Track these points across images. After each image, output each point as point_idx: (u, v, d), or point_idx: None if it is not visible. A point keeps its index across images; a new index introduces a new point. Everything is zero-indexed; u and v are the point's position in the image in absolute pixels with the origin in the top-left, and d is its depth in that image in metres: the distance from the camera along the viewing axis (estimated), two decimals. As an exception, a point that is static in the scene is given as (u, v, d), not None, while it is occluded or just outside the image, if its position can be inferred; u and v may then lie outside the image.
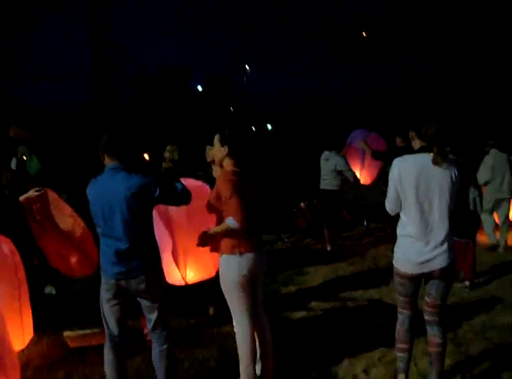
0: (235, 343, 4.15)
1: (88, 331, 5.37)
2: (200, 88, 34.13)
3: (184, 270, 4.72)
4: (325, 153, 8.70)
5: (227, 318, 4.57)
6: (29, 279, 4.75)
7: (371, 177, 9.30)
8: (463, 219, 6.17)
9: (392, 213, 3.85)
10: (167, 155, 6.60)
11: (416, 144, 3.76)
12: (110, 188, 3.72)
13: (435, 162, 3.55)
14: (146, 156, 11.49)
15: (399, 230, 3.77)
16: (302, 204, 10.00)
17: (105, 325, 3.93)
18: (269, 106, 36.34)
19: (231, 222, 3.85)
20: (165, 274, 4.02)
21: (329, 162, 8.55)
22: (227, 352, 4.80)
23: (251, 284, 4.03)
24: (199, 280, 4.91)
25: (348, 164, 8.51)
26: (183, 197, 3.89)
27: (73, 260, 5.42)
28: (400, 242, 3.76)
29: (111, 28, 24.67)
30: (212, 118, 30.07)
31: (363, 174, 9.26)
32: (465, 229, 6.34)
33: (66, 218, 5.45)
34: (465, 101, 27.10)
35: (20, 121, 25.59)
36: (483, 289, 6.55)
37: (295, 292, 6.74)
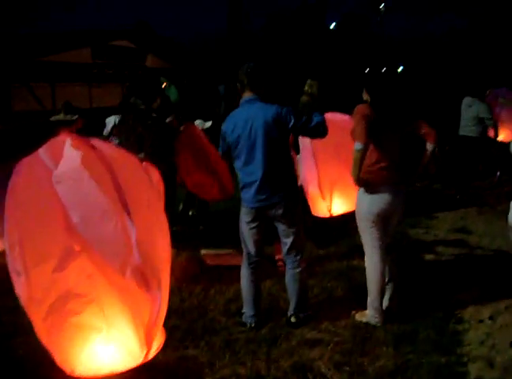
0: (363, 275, 4.38)
1: (224, 251, 5.83)
2: (334, 25, 33.67)
3: (330, 202, 4.90)
4: (468, 99, 8.52)
5: (357, 252, 4.84)
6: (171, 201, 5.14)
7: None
8: None
9: None
10: (306, 88, 6.79)
11: None
12: (248, 118, 3.93)
13: None
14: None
15: None
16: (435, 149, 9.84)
17: (243, 246, 4.25)
18: (405, 46, 35.05)
19: (356, 145, 4.01)
20: (310, 206, 4.27)
21: (472, 108, 8.39)
22: (354, 283, 5.02)
23: (383, 221, 4.19)
24: (344, 213, 5.09)
25: (490, 113, 8.32)
26: (318, 130, 4.03)
27: (211, 186, 5.86)
28: None
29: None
30: (346, 56, 29.67)
31: (503, 130, 9.04)
32: None
33: (205, 147, 5.87)
34: None
35: (156, 50, 26.58)
36: None
37: (423, 235, 6.84)
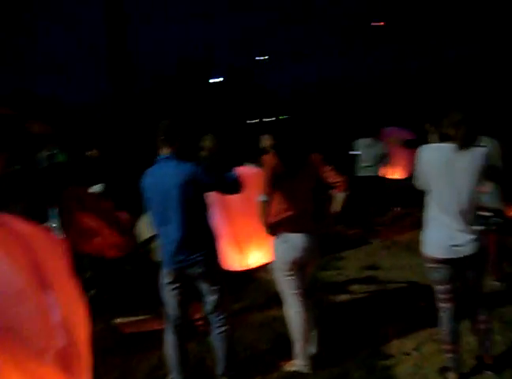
0: (284, 325, 4.37)
1: (141, 316, 5.59)
2: (218, 80, 34.39)
3: (245, 255, 4.89)
4: (365, 140, 8.84)
5: (274, 302, 4.81)
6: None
7: (407, 171, 9.56)
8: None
9: (420, 188, 3.90)
10: (204, 144, 6.78)
11: (447, 131, 3.73)
12: (164, 177, 3.86)
13: (459, 150, 3.59)
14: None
15: (426, 215, 3.84)
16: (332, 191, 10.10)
17: (166, 309, 4.09)
18: (286, 95, 36.33)
19: (259, 197, 4.08)
20: (224, 260, 4.19)
21: (372, 148, 8.72)
22: (277, 334, 4.94)
23: (299, 268, 4.21)
24: (260, 265, 5.07)
25: (385, 150, 8.70)
26: (234, 186, 4.08)
27: (104, 241, 5.67)
28: (429, 226, 3.81)
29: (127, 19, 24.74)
30: (233, 109, 30.24)
31: (396, 168, 9.49)
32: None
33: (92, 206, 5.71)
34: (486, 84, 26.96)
35: (39, 116, 25.90)
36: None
37: (335, 276, 6.91)
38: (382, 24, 33.96)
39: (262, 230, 4.22)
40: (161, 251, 4.04)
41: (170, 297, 4.04)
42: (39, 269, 2.55)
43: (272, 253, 4.27)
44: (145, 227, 8.96)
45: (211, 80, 34.36)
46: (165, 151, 3.95)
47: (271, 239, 4.26)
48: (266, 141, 7.28)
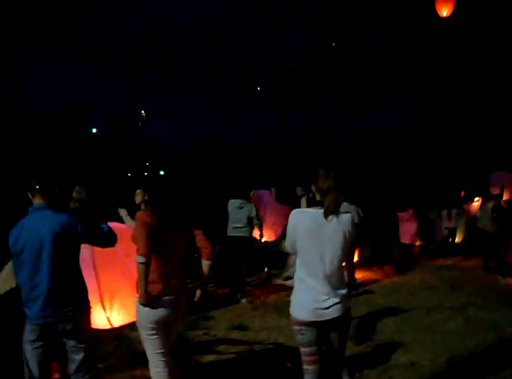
0: None
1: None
2: (95, 130, 33.90)
3: (110, 313, 4.70)
4: (236, 201, 8.90)
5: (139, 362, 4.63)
6: None
7: (276, 233, 9.78)
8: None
9: (291, 252, 3.96)
10: (74, 195, 6.56)
11: (317, 197, 3.86)
12: (37, 227, 3.71)
13: (326, 216, 3.68)
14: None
15: (296, 278, 3.85)
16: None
17: (26, 368, 3.83)
18: (166, 151, 36.48)
19: (140, 259, 3.90)
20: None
21: (243, 210, 8.79)
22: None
23: (164, 328, 4.10)
24: (124, 323, 4.91)
25: (256, 212, 8.82)
26: (109, 239, 3.97)
27: None
28: (296, 289, 3.83)
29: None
30: (110, 160, 29.76)
31: (267, 231, 9.68)
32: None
33: None
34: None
35: None
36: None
37: (202, 336, 6.78)
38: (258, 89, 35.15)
39: (129, 289, 4.08)
40: (25, 306, 3.81)
41: (32, 355, 3.80)
42: None
43: (137, 311, 4.11)
44: (5, 279, 8.44)
45: (91, 130, 33.78)
46: (38, 201, 3.81)
47: (135, 297, 4.12)
48: (138, 196, 7.18)
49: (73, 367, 3.89)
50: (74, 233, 3.74)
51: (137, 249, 3.93)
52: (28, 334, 3.79)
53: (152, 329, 4.04)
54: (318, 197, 3.82)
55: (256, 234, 9.16)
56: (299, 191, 9.79)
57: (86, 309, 3.90)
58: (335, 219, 3.69)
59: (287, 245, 3.93)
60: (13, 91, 23.11)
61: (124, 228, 4.76)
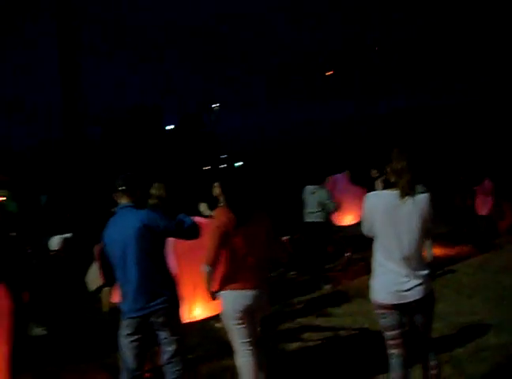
0: (235, 375, 4.33)
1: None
2: (171, 127, 34.60)
3: (192, 306, 4.80)
4: (310, 187, 8.89)
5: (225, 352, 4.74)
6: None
7: (355, 217, 9.66)
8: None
9: (367, 235, 3.91)
10: (153, 191, 6.70)
11: (391, 179, 3.81)
12: (123, 226, 3.90)
13: (401, 198, 3.63)
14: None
15: (374, 262, 3.83)
16: (284, 238, 10.12)
17: (123, 359, 4.00)
18: (241, 143, 36.78)
19: (202, 267, 4.11)
20: None
21: (315, 195, 8.75)
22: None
23: (249, 317, 4.18)
24: (206, 317, 5.01)
25: (330, 198, 8.75)
26: (192, 231, 4.08)
27: None
28: (375, 273, 3.81)
29: (80, 67, 24.74)
30: (184, 156, 30.32)
31: (345, 215, 9.60)
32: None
33: None
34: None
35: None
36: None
37: (287, 324, 6.81)
38: (331, 72, 34.90)
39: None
40: (122, 302, 4.00)
41: (128, 349, 3.96)
42: None
43: (220, 302, 4.20)
44: (95, 276, 8.79)
45: (166, 127, 34.50)
46: (124, 201, 4.02)
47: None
48: (216, 189, 7.27)
49: (165, 358, 4.02)
50: (156, 228, 3.88)
51: (205, 257, 4.09)
52: (124, 328, 3.95)
53: (238, 319, 4.13)
54: (392, 179, 3.76)
55: (336, 218, 9.10)
56: (373, 173, 9.62)
57: (176, 302, 4.03)
58: (411, 200, 3.63)
59: (363, 228, 3.89)
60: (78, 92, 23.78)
61: (205, 222, 4.82)
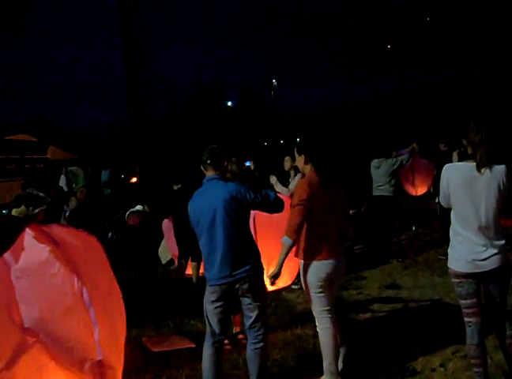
0: (309, 343, 4.54)
1: (166, 336, 5.65)
2: (230, 104, 34.87)
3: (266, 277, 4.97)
4: (375, 161, 8.91)
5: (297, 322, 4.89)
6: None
7: (426, 186, 9.60)
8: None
9: (446, 206, 3.97)
10: (230, 167, 6.91)
11: (468, 150, 3.86)
12: (212, 195, 4.06)
13: (479, 169, 3.66)
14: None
15: (451, 232, 3.89)
16: (350, 212, 10.16)
17: (207, 324, 4.18)
18: (300, 117, 36.70)
19: (284, 239, 4.19)
20: None
21: (380, 168, 8.77)
22: (303, 352, 5.01)
23: (329, 286, 4.31)
24: (278, 288, 5.16)
25: (395, 161, 8.82)
26: (277, 205, 4.20)
27: None
28: (452, 242, 3.86)
29: (143, 47, 25.18)
30: (246, 132, 30.55)
31: (416, 186, 9.55)
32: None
33: None
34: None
35: (57, 142, 26.29)
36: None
37: (356, 296, 6.94)
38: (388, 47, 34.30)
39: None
40: (206, 268, 4.18)
41: (213, 314, 4.13)
42: (85, 286, 2.67)
43: (304, 272, 4.32)
44: (165, 250, 9.15)
45: (227, 104, 34.78)
46: (211, 174, 4.17)
47: (293, 264, 4.36)
48: (287, 163, 7.41)
49: (248, 323, 4.18)
50: (243, 200, 4.02)
51: (287, 230, 4.19)
52: (209, 295, 4.11)
53: (320, 287, 4.25)
54: (469, 151, 3.81)
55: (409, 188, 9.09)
56: (441, 147, 9.52)
57: (260, 271, 4.17)
58: (488, 171, 3.66)
59: (441, 199, 3.96)
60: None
61: (285, 198, 4.94)
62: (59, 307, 2.62)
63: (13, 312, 2.57)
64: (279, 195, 4.38)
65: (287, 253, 4.22)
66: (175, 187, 8.09)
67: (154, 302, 6.83)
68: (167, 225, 8.64)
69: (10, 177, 20.62)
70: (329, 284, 4.31)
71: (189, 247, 7.60)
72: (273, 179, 6.93)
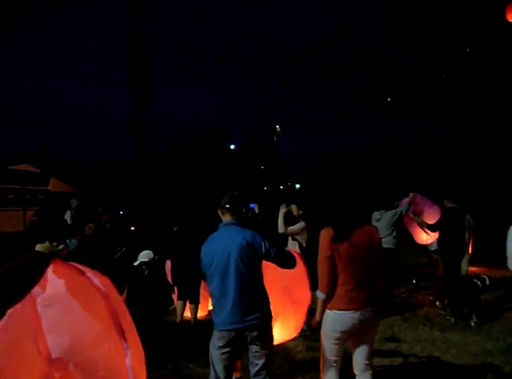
0: None
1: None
2: (233, 147, 35.14)
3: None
4: (376, 213, 8.96)
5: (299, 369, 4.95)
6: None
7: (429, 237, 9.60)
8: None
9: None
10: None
11: None
12: (225, 241, 4.07)
13: None
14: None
15: None
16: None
17: (212, 369, 4.12)
18: (300, 164, 36.99)
19: (317, 293, 4.20)
20: None
21: (381, 221, 8.81)
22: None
23: (347, 339, 4.28)
24: (283, 341, 5.14)
25: (395, 212, 8.89)
26: (290, 261, 4.23)
27: None
28: None
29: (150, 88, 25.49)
30: (247, 176, 30.71)
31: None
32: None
33: None
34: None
35: (59, 174, 26.39)
36: None
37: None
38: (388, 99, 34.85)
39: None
40: (214, 313, 4.16)
41: (218, 360, 4.08)
42: (116, 317, 2.68)
43: (323, 319, 4.28)
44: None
45: (230, 146, 35.05)
46: (228, 219, 4.20)
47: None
48: (294, 209, 7.47)
49: (253, 370, 4.14)
50: (258, 248, 4.03)
51: (319, 284, 4.20)
52: (216, 341, 4.07)
53: (334, 339, 4.21)
54: None
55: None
56: (446, 203, 9.55)
57: (270, 319, 4.15)
58: None
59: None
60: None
61: (297, 254, 4.97)
62: (89, 334, 2.63)
63: (40, 343, 2.58)
64: (292, 251, 4.41)
65: (323, 305, 4.19)
66: (175, 229, 8.12)
67: (154, 343, 6.77)
68: (169, 265, 8.62)
69: (10, 206, 20.65)
70: (348, 337, 4.25)
71: (187, 289, 7.60)
72: (283, 208, 7.04)
